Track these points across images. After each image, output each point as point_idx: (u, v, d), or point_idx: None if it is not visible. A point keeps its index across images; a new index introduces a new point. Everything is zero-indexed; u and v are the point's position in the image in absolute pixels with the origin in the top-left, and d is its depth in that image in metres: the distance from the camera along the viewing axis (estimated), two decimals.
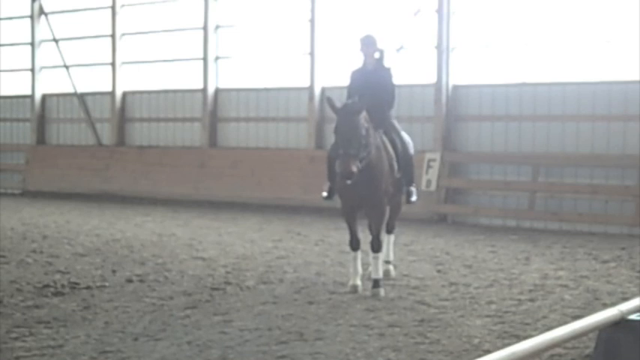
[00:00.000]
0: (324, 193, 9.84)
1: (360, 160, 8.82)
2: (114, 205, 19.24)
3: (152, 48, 20.91)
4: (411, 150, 10.02)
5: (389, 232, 10.29)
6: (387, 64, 10.10)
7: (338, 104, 9.04)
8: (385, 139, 9.53)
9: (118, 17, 21.20)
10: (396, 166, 9.57)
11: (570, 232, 14.51)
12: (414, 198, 9.99)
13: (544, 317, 8.12)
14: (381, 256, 9.54)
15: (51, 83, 22.88)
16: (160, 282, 9.93)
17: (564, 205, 15.09)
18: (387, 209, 9.61)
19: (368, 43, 9.79)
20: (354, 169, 8.69)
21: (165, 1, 20.63)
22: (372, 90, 9.46)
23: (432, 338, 7.33)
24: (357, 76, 9.80)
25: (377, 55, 9.83)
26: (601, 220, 14.56)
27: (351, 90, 9.64)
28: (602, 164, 14.67)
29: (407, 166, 9.80)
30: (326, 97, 9.17)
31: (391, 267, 10.27)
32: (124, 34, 21.28)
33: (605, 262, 11.43)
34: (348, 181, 8.80)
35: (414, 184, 10.00)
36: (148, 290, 9.44)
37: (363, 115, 8.94)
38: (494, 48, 16.04)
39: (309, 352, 6.88)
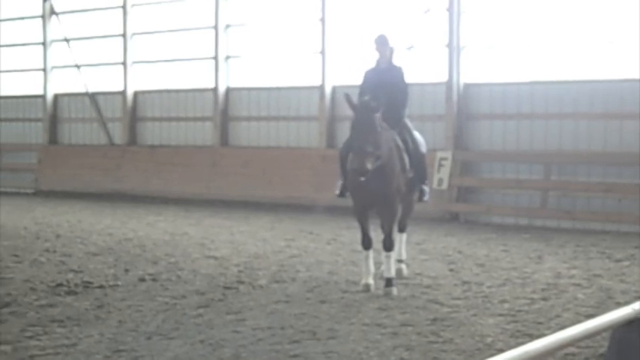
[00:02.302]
0: (337, 191, 9.84)
1: (376, 158, 8.84)
2: (126, 204, 19.28)
3: (163, 47, 20.94)
4: (423, 149, 10.03)
5: (401, 230, 10.29)
6: (398, 63, 10.11)
7: (355, 101, 9.07)
8: (397, 138, 9.54)
9: (128, 17, 21.25)
10: (408, 165, 9.57)
11: (583, 230, 14.46)
12: (426, 197, 10.01)
13: (557, 316, 8.11)
14: (394, 254, 9.54)
15: (62, 83, 22.94)
16: (173, 281, 9.95)
17: (577, 203, 15.04)
18: (399, 208, 9.61)
19: (382, 43, 9.80)
20: (369, 166, 8.72)
21: (176, 1, 20.65)
22: (385, 89, 9.47)
23: (445, 337, 7.33)
24: (369, 75, 9.82)
25: (388, 53, 9.86)
26: (614, 219, 14.50)
27: (364, 89, 9.66)
28: (615, 162, 14.62)
29: (419, 164, 9.81)
30: (344, 94, 9.16)
31: (403, 266, 10.27)
32: (134, 34, 21.33)
33: (618, 260, 11.40)
34: (362, 178, 8.81)
35: (426, 183, 10.01)
36: (160, 289, 9.46)
37: (380, 113, 8.97)
38: (506, 46, 16.00)
39: (321, 351, 6.89)
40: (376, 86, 9.55)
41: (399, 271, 9.97)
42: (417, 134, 10.05)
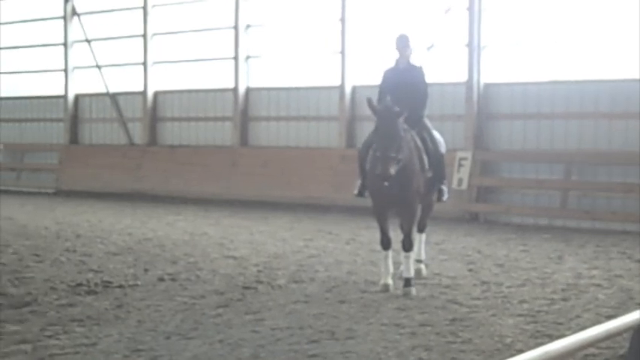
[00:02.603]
0: (355, 191, 9.84)
1: (398, 162, 8.84)
2: (146, 204, 19.35)
3: (183, 48, 21.01)
4: (443, 148, 10.01)
5: (420, 231, 10.27)
6: (418, 62, 10.09)
7: (377, 105, 9.06)
8: (416, 138, 9.52)
9: (149, 17, 21.34)
10: (427, 165, 9.55)
11: (603, 230, 14.37)
12: (445, 197, 10.00)
13: (577, 317, 8.06)
14: (413, 255, 9.51)
15: (83, 83, 23.08)
16: (192, 281, 9.97)
17: (597, 203, 14.96)
18: (418, 208, 9.59)
19: (404, 44, 9.78)
20: (393, 171, 8.73)
21: (196, 1, 20.72)
22: (404, 89, 9.48)
23: (464, 337, 7.30)
24: (389, 75, 9.80)
25: (408, 53, 9.84)
26: (635, 219, 14.38)
27: (383, 89, 9.65)
28: (636, 162, 14.50)
29: (438, 164, 9.79)
30: (366, 98, 9.16)
31: (422, 266, 10.24)
32: (155, 34, 21.41)
33: (639, 261, 11.31)
34: (386, 183, 8.81)
35: (445, 183, 9.99)
36: (179, 289, 9.48)
37: (403, 117, 8.97)
38: (526, 46, 15.93)
39: (340, 351, 6.88)
40: (396, 86, 9.55)
41: (418, 271, 9.94)
42: (436, 134, 10.03)
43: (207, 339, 7.28)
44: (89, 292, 9.27)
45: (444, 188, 9.97)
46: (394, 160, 8.79)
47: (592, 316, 8.01)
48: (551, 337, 6.92)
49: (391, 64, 9.94)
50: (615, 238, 13.51)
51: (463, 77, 16.35)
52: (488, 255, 11.86)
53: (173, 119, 21.33)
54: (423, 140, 9.62)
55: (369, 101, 9.02)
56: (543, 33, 15.68)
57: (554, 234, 14.03)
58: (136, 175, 21.23)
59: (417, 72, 9.85)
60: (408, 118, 9.30)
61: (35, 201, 20.56)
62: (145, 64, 21.42)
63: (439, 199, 10.03)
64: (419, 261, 10.16)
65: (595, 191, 15.00)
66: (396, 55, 9.90)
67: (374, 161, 9.10)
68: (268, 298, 8.99)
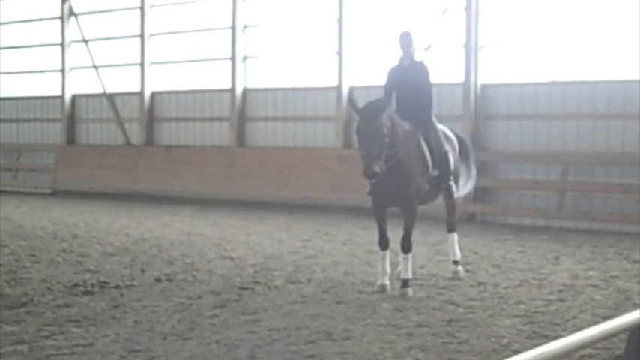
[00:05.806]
0: (368, 190, 9.68)
1: (386, 161, 8.80)
2: (142, 204, 19.34)
3: (180, 48, 21.00)
4: (454, 144, 10.12)
5: (450, 230, 10.34)
6: (421, 59, 10.09)
7: (360, 104, 9.02)
8: (420, 137, 9.49)
9: (146, 18, 21.32)
10: (430, 165, 9.51)
11: (600, 231, 14.38)
12: (455, 194, 9.98)
13: (574, 317, 8.07)
14: (411, 256, 9.47)
15: (80, 84, 23.05)
16: (189, 281, 9.97)
17: (594, 204, 14.97)
18: (417, 208, 9.54)
19: (407, 42, 9.77)
20: (377, 169, 8.69)
21: (194, 2, 20.71)
22: (409, 86, 9.49)
23: (461, 338, 7.31)
24: (393, 73, 9.77)
25: (412, 51, 9.82)
26: (632, 220, 14.40)
27: (388, 88, 9.64)
28: (633, 163, 14.52)
29: (442, 163, 9.72)
30: (349, 98, 9.12)
31: (460, 267, 10.21)
32: (152, 35, 21.40)
33: (635, 261, 11.32)
34: (373, 181, 8.83)
35: (452, 180, 9.91)
36: (176, 289, 9.48)
37: (387, 113, 8.91)
38: (523, 46, 15.94)
39: (337, 352, 6.88)
40: (400, 84, 9.56)
41: (455, 273, 10.04)
42: (447, 131, 10.14)
43: (204, 339, 7.27)
44: (86, 293, 9.27)
45: (452, 185, 9.91)
46: (377, 157, 8.71)
47: (588, 317, 8.02)
48: (548, 338, 6.93)
49: (395, 62, 9.90)
50: (612, 238, 13.51)
51: (460, 78, 16.34)
52: (484, 256, 11.87)
53: (170, 120, 21.31)
54: (427, 140, 9.58)
55: (352, 101, 8.98)
56: (540, 34, 15.69)
57: (551, 235, 14.04)
58: (133, 176, 21.22)
59: (422, 69, 9.78)
60: (415, 119, 9.31)
61: (32, 201, 20.54)
62: (142, 64, 21.40)
63: (450, 196, 9.99)
64: (455, 262, 10.18)
65: (592, 192, 15.01)
66: (399, 53, 9.87)
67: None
68: (265, 299, 8.99)
